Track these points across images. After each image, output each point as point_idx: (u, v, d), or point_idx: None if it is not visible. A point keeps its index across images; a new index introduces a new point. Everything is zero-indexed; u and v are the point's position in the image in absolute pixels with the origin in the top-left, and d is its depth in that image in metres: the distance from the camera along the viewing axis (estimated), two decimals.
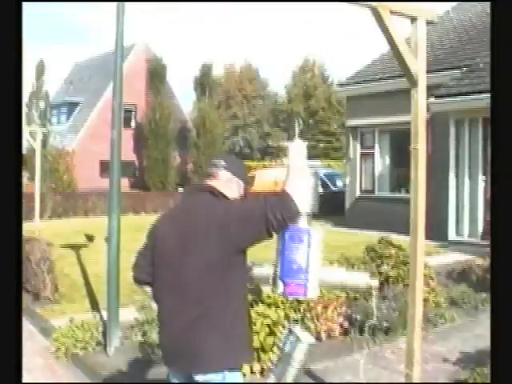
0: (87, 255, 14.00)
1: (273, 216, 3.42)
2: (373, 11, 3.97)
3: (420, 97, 4.30)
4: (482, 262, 11.45)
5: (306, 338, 4.09)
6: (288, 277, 3.78)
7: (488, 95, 15.26)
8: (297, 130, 4.04)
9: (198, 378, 3.70)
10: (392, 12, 4.03)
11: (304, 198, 3.54)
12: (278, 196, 3.52)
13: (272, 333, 6.88)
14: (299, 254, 3.76)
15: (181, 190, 35.61)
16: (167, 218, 4.04)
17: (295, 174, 3.60)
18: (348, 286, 5.17)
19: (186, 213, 3.84)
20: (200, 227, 3.65)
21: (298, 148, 3.82)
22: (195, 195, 3.91)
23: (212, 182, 3.89)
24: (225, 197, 3.81)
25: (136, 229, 18.25)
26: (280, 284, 3.83)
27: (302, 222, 3.79)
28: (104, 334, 7.86)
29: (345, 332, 8.18)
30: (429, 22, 4.40)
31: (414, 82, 4.30)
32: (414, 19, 4.26)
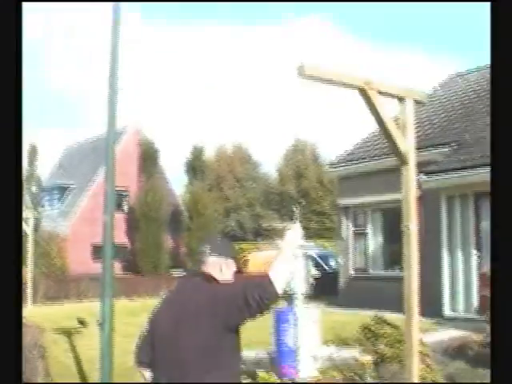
0: (80, 341, 13.82)
1: (252, 299, 3.59)
2: (361, 92, 4.04)
3: (410, 175, 4.34)
4: (479, 337, 11.38)
5: None
6: (281, 359, 3.89)
7: (477, 171, 15.49)
8: (297, 214, 4.13)
9: None
10: (380, 93, 4.10)
11: (285, 281, 3.69)
12: (258, 279, 3.71)
13: None
14: (288, 335, 3.89)
15: (175, 273, 35.53)
16: (165, 302, 4.17)
17: (281, 258, 3.77)
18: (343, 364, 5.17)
19: (180, 297, 4.02)
20: (191, 311, 3.82)
21: (295, 232, 4.01)
22: (189, 281, 4.15)
23: (204, 268, 4.05)
24: (216, 280, 3.94)
25: (129, 313, 18.24)
26: (275, 368, 3.94)
27: (298, 303, 3.87)
28: None
29: None
30: (418, 102, 4.48)
31: (403, 161, 4.34)
32: (402, 99, 4.33)
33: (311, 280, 4.13)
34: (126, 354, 11.88)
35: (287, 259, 3.81)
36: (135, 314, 19.58)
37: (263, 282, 3.65)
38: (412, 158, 4.34)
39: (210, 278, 3.96)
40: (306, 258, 4.07)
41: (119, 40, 8.10)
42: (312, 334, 3.91)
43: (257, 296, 3.60)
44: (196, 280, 4.02)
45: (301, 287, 4.13)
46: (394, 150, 4.36)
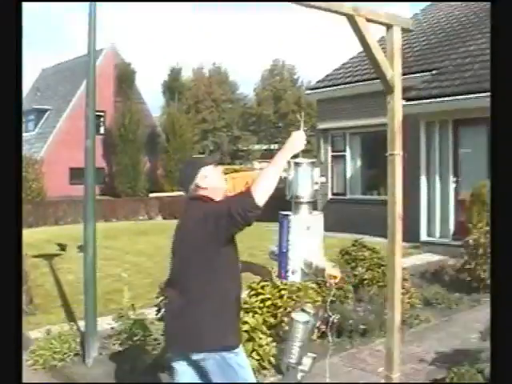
0: (60, 264, 13.90)
1: (235, 212, 3.92)
2: (349, 19, 4.00)
3: (396, 103, 4.34)
4: (454, 262, 11.59)
5: (300, 317, 4.48)
6: (276, 259, 4.11)
7: (457, 97, 15.51)
8: (302, 123, 4.30)
9: (195, 357, 4.19)
10: (368, 20, 4.06)
11: (266, 192, 3.95)
12: (240, 194, 4.06)
13: (251, 339, 6.90)
14: (280, 238, 4.08)
15: (152, 195, 35.60)
16: (176, 226, 4.52)
17: (266, 172, 4.06)
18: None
19: (181, 218, 4.50)
20: (188, 228, 4.29)
21: (299, 136, 4.27)
22: (188, 203, 4.45)
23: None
24: (211, 199, 4.32)
25: (108, 237, 18.30)
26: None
27: (303, 210, 4.06)
28: (82, 344, 7.81)
29: (322, 335, 8.21)
30: (404, 30, 4.45)
31: (390, 89, 4.34)
32: (389, 27, 4.30)
33: (316, 186, 4.22)
34: (107, 276, 12.10)
35: (276, 170, 4.09)
36: (115, 238, 19.72)
37: (244, 196, 3.97)
38: (398, 87, 4.34)
39: (206, 199, 4.32)
40: (311, 165, 4.18)
41: None
42: (313, 244, 4.07)
43: (240, 209, 3.92)
44: (192, 202, 4.39)
45: (306, 193, 4.33)
46: (381, 77, 4.34)
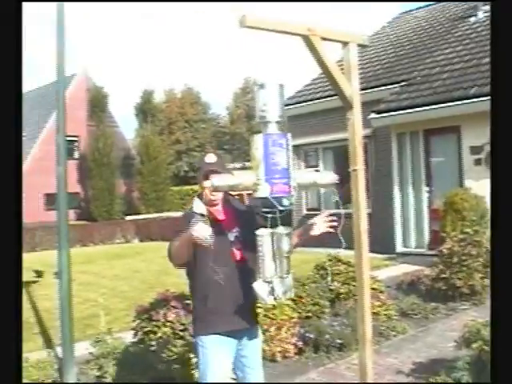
0: (37, 291, 13.84)
1: None
2: (304, 39, 4.05)
3: (356, 119, 4.39)
4: (430, 271, 11.65)
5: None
6: (274, 177, 3.98)
7: (427, 108, 15.66)
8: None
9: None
10: (324, 39, 4.12)
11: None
12: None
13: None
14: (281, 156, 3.97)
15: (128, 218, 35.49)
16: None
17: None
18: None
19: None
20: None
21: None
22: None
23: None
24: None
25: (85, 261, 18.24)
26: (266, 186, 3.99)
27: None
28: (60, 371, 7.78)
29: (300, 351, 8.24)
30: (361, 46, 4.51)
31: (349, 106, 4.39)
32: (345, 44, 4.36)
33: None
34: (84, 301, 12.07)
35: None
36: (91, 262, 19.65)
37: None
38: (357, 102, 4.38)
39: None
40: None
41: None
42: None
43: None
44: None
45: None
46: (340, 94, 4.40)
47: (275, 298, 4.20)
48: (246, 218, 4.84)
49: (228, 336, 4.71)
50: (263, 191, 4.02)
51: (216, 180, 4.15)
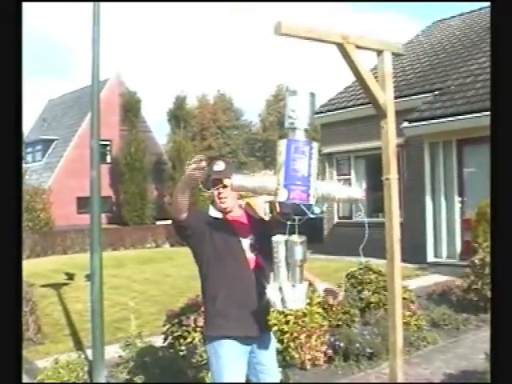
0: (68, 294, 13.94)
1: None
2: (339, 47, 4.06)
3: (390, 127, 4.38)
4: (462, 282, 11.56)
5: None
6: (293, 183, 3.96)
7: (460, 117, 15.56)
8: None
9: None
10: (358, 47, 4.13)
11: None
12: None
13: None
14: (302, 163, 3.96)
15: (159, 223, 35.61)
16: None
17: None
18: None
19: None
20: None
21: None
22: None
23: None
24: None
25: (115, 265, 18.35)
26: (284, 191, 3.98)
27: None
28: (90, 373, 7.81)
29: (329, 360, 8.21)
30: (395, 54, 4.51)
31: (383, 114, 4.38)
32: (379, 52, 4.36)
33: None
34: (115, 305, 12.14)
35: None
36: (122, 265, 19.75)
37: None
38: (391, 111, 4.38)
39: None
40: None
41: None
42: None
43: None
44: None
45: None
46: (373, 102, 4.40)
47: (285, 307, 4.21)
48: (262, 226, 4.86)
49: (239, 342, 4.70)
50: (281, 196, 4.04)
51: (235, 179, 4.17)
